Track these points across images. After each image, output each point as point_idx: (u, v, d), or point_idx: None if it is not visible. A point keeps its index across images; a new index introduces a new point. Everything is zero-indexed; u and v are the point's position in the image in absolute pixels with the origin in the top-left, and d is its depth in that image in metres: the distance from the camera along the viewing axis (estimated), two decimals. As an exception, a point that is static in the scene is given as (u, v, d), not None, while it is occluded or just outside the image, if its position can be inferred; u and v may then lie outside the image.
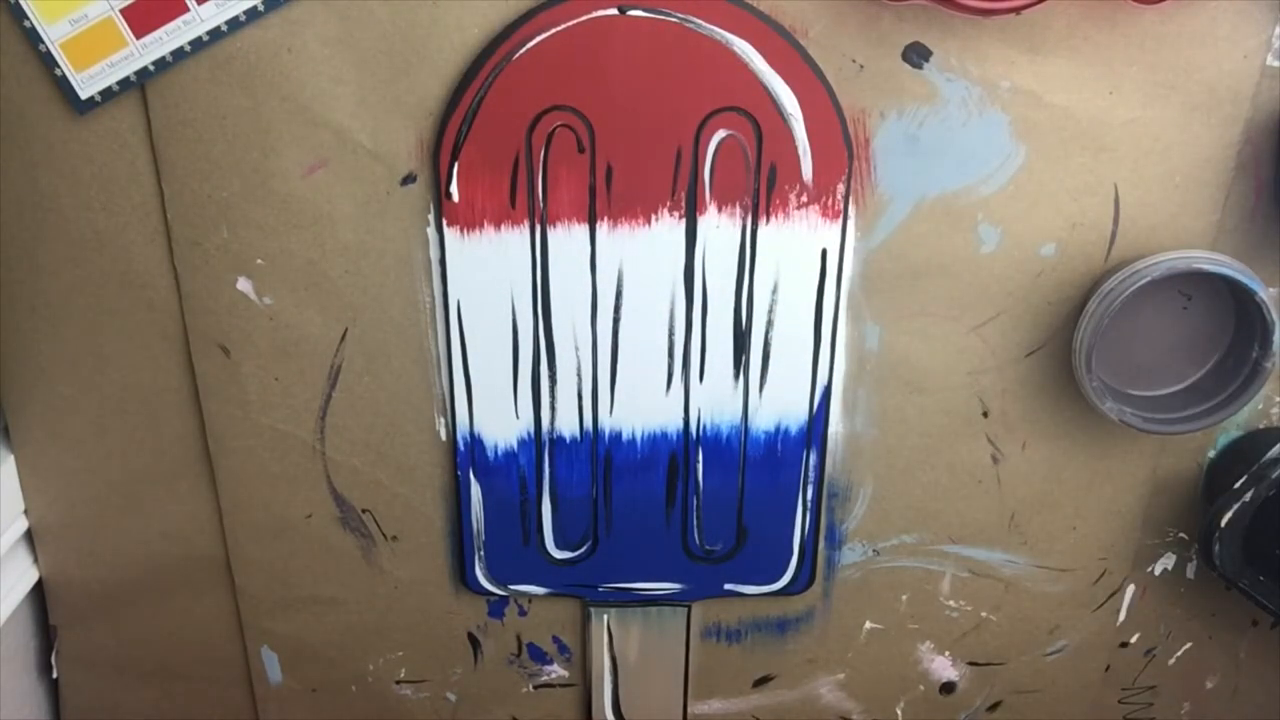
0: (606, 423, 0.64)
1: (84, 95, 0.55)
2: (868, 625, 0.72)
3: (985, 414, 0.64)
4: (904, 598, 0.70)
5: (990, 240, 0.59)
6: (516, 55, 0.55)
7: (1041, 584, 0.70)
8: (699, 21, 0.54)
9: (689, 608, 0.71)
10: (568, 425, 0.64)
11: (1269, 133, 0.56)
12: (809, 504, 0.66)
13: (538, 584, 0.69)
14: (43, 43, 0.54)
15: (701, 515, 0.67)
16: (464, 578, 0.69)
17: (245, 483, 0.66)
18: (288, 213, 0.59)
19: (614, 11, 0.54)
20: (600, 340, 0.62)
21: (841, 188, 0.58)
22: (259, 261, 0.60)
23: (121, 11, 0.53)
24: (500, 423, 0.64)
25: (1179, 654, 0.74)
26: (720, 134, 0.57)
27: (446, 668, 0.73)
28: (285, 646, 0.72)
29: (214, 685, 0.74)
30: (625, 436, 0.64)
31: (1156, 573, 0.71)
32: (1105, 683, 0.75)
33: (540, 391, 0.63)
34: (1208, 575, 0.71)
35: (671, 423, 0.64)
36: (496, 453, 0.65)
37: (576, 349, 0.62)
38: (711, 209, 0.59)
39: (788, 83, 0.55)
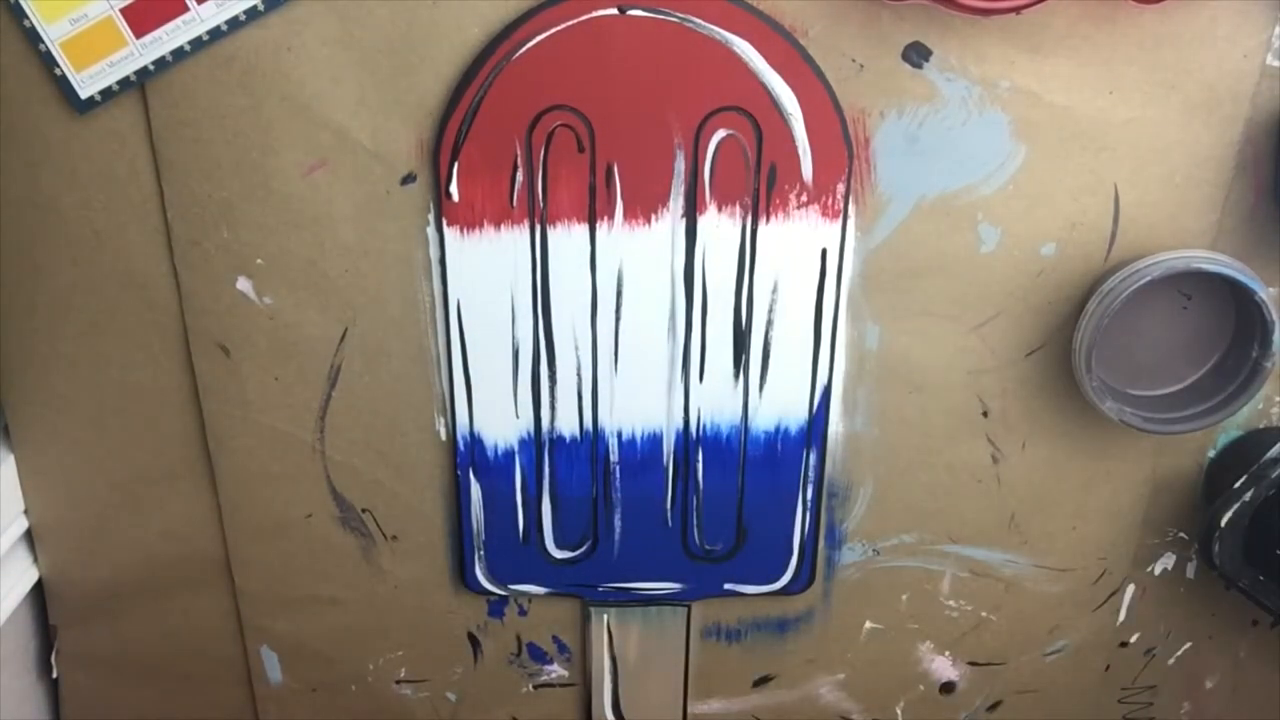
0: (606, 423, 0.64)
1: (84, 95, 0.55)
2: (867, 625, 0.72)
3: (985, 414, 0.64)
4: (904, 598, 0.70)
5: (990, 240, 0.59)
6: (516, 55, 0.55)
7: (1041, 584, 0.70)
8: (699, 21, 0.54)
9: (689, 607, 0.71)
10: (568, 425, 0.64)
11: (1269, 133, 0.56)
12: (809, 503, 0.66)
13: (537, 584, 0.69)
14: (43, 42, 0.54)
15: (701, 515, 0.67)
16: (464, 577, 0.69)
17: (245, 483, 0.66)
18: (288, 213, 0.59)
19: (614, 11, 0.54)
20: (600, 340, 0.62)
21: (841, 187, 0.58)
22: (259, 261, 0.60)
23: (121, 11, 0.53)
24: (500, 422, 0.64)
25: (1179, 654, 0.74)
26: (720, 134, 0.57)
27: (446, 667, 0.73)
28: (285, 646, 0.72)
29: (214, 685, 0.74)
30: (625, 436, 0.64)
31: (1156, 573, 0.71)
32: (1105, 683, 0.75)
33: (540, 391, 0.63)
34: (1208, 575, 0.71)
35: (671, 423, 0.64)
36: (496, 452, 0.65)
37: (576, 349, 0.62)
38: (711, 208, 0.59)
39: (788, 82, 0.55)
